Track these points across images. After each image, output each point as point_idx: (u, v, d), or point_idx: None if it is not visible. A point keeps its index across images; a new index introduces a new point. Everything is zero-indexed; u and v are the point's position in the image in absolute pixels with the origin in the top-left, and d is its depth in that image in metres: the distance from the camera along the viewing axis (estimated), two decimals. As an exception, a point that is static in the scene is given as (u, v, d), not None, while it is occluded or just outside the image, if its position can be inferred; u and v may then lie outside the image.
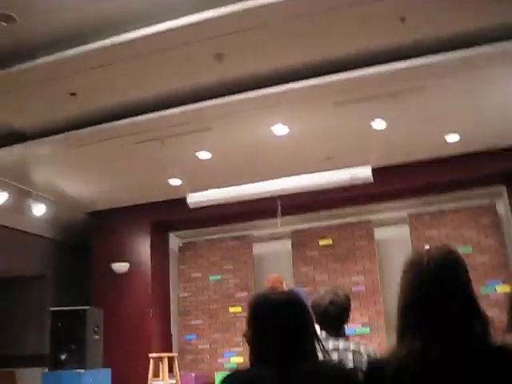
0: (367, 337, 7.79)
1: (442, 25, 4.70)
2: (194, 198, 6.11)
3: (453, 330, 1.46)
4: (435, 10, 4.48)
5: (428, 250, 1.61)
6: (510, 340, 2.11)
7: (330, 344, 2.68)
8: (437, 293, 1.51)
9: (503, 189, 7.87)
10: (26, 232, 8.36)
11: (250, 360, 1.78)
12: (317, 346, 1.82)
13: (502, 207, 8.10)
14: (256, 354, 1.77)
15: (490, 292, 7.54)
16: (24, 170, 6.96)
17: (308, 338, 1.78)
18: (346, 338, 2.78)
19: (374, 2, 4.29)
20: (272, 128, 6.13)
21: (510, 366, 1.41)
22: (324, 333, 2.74)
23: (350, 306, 2.88)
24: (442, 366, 1.42)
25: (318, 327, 2.65)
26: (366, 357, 2.64)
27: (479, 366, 1.41)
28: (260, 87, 5.30)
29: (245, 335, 1.81)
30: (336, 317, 2.78)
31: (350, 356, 2.63)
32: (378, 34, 4.79)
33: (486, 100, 5.92)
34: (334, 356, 2.62)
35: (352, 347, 2.69)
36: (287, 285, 6.80)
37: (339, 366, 1.86)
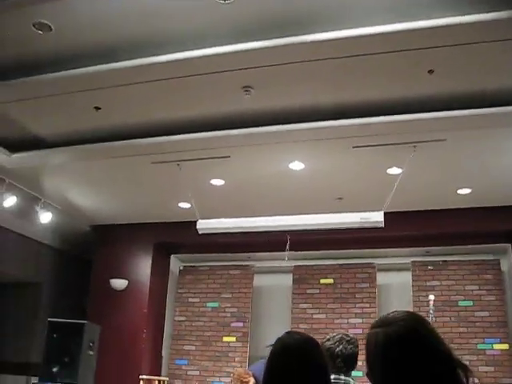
0: (359, 380, 7.70)
1: (468, 81, 4.78)
2: (205, 225, 6.11)
3: None
4: (464, 65, 4.56)
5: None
6: None
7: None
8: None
9: (508, 246, 7.88)
10: (28, 237, 8.34)
11: None
12: None
13: (505, 265, 8.10)
14: None
15: (487, 348, 7.51)
16: (36, 176, 6.96)
17: None
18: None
19: (405, 52, 4.38)
20: (289, 164, 6.20)
21: None
22: (333, 376, 2.74)
23: (358, 352, 2.89)
24: None
25: None
26: None
27: None
28: (283, 123, 5.37)
29: None
30: (346, 362, 2.78)
31: None
32: (404, 84, 4.86)
33: (500, 158, 5.98)
34: None
35: None
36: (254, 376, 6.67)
37: None
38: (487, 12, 3.92)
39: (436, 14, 4.02)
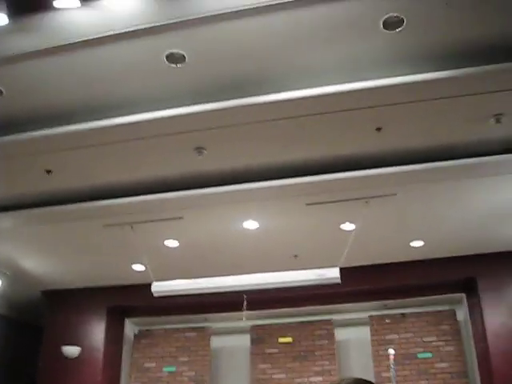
0: None
1: (415, 138, 4.92)
2: (160, 287, 6.00)
3: None
4: (410, 122, 4.70)
5: None
6: None
7: None
8: None
9: (463, 296, 7.98)
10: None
11: None
12: None
13: (461, 314, 8.17)
14: None
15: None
16: (-17, 241, 6.76)
17: None
18: None
19: (352, 111, 4.49)
20: (243, 223, 6.19)
21: None
22: None
23: None
24: None
25: None
26: None
27: None
28: (235, 183, 5.39)
29: None
30: None
31: None
32: (353, 141, 4.96)
33: (450, 210, 6.13)
34: None
35: None
36: None
37: None
38: (432, 71, 4.08)
39: (380, 74, 4.16)
